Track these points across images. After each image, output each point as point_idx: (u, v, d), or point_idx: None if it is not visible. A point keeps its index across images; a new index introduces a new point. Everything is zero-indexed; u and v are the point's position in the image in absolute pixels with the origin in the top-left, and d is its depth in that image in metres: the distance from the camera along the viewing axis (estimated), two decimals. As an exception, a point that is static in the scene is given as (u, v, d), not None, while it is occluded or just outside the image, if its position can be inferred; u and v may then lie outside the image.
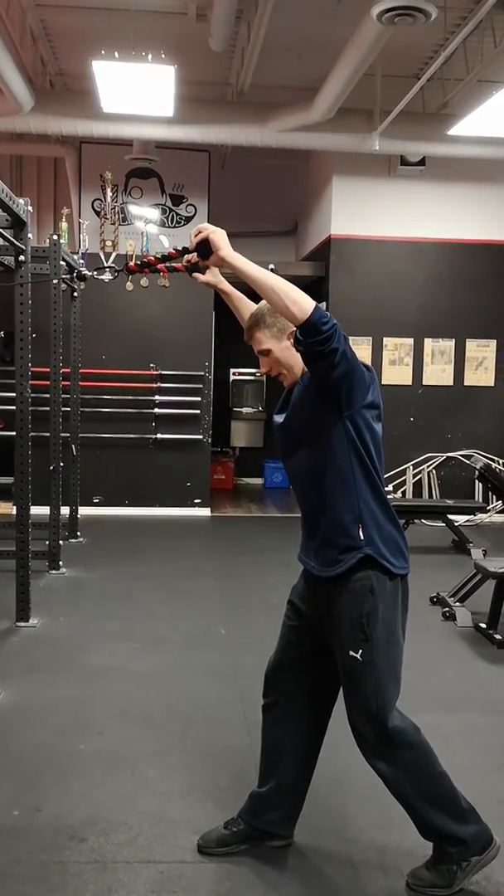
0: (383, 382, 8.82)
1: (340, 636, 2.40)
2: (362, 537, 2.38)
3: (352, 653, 2.36)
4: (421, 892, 2.45)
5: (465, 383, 8.95)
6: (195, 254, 2.42)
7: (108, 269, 3.22)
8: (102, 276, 2.96)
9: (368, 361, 8.90)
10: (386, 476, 8.68)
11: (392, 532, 2.44)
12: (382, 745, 2.40)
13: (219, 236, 2.35)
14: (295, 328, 2.25)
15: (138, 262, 2.58)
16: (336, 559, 2.39)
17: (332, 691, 2.57)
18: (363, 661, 2.35)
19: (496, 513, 8.59)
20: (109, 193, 8.93)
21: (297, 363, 2.45)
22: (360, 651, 2.35)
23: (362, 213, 8.73)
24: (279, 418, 2.55)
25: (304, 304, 2.20)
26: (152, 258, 2.56)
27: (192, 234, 2.38)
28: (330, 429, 2.37)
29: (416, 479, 8.84)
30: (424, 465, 8.88)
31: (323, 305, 8.71)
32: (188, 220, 9.30)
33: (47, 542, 6.11)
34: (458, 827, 2.43)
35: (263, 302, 2.49)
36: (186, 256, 2.48)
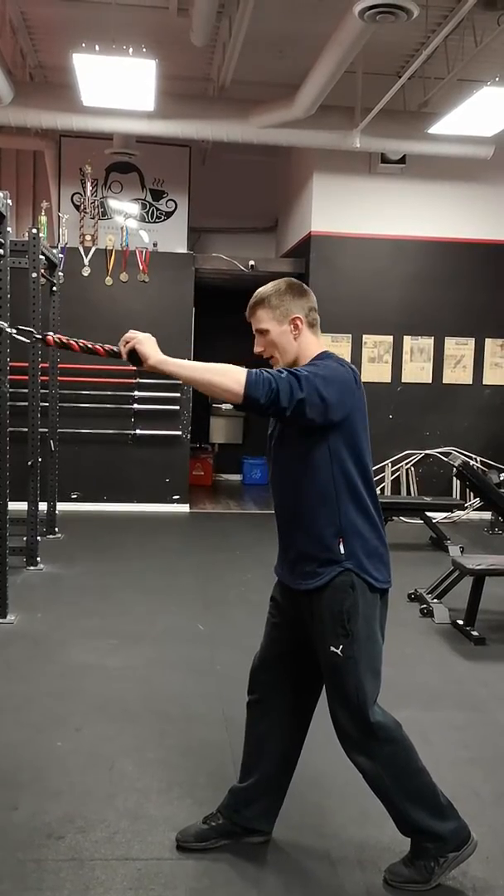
0: (362, 380, 8.78)
1: (321, 631, 2.40)
2: (343, 552, 2.38)
3: (332, 648, 2.37)
4: (398, 887, 2.46)
5: (444, 381, 8.99)
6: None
7: (28, 332, 3.63)
8: (19, 337, 2.98)
9: (347, 359, 9.00)
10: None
11: (376, 545, 2.44)
12: (364, 739, 2.41)
13: (146, 347, 2.33)
14: (294, 317, 2.38)
15: (58, 341, 2.57)
16: (315, 572, 2.40)
17: (316, 687, 2.58)
18: (344, 657, 2.36)
19: (473, 510, 8.65)
20: (89, 187, 8.90)
21: (290, 350, 2.45)
22: (341, 647, 2.36)
23: (343, 210, 8.74)
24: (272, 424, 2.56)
25: (234, 386, 2.21)
26: (75, 345, 2.51)
27: (122, 343, 2.36)
28: (312, 443, 2.37)
29: (394, 477, 8.88)
30: (403, 463, 8.92)
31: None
32: (168, 215, 9.27)
33: (25, 538, 6.07)
34: (437, 823, 2.45)
35: (271, 283, 2.50)
36: (108, 347, 2.44)
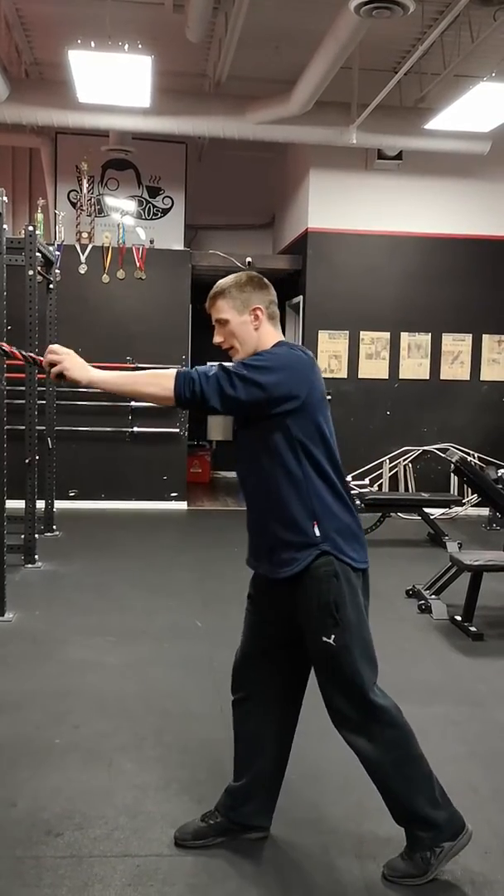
0: (360, 376, 8.86)
1: (310, 624, 2.40)
2: (318, 534, 2.38)
3: (324, 638, 2.37)
4: (396, 882, 2.46)
5: (442, 377, 8.99)
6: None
7: None
8: None
9: (345, 355, 9.06)
10: (362, 470, 8.72)
11: (349, 523, 2.44)
12: (365, 722, 2.41)
13: (75, 373, 2.33)
14: (255, 308, 2.41)
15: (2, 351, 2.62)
16: (293, 558, 2.39)
17: (301, 679, 2.59)
18: (337, 646, 2.36)
19: (471, 506, 8.65)
20: (85, 185, 8.88)
21: (250, 340, 2.46)
22: (333, 636, 2.36)
23: (339, 206, 8.73)
24: None
25: (159, 391, 2.29)
26: (18, 354, 2.60)
27: (46, 364, 2.36)
28: (272, 431, 2.37)
29: (392, 473, 8.88)
30: (400, 459, 8.92)
31: (299, 299, 8.56)
32: (165, 212, 9.25)
33: (23, 536, 6.07)
34: (433, 811, 2.45)
35: (234, 274, 2.52)
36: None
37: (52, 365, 2.34)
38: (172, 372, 2.29)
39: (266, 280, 2.56)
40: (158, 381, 2.30)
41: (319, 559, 2.36)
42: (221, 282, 2.51)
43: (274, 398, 2.31)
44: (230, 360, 2.47)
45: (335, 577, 2.36)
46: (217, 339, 2.51)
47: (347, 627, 2.36)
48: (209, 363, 2.48)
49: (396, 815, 2.49)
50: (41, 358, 2.41)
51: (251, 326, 2.46)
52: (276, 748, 2.62)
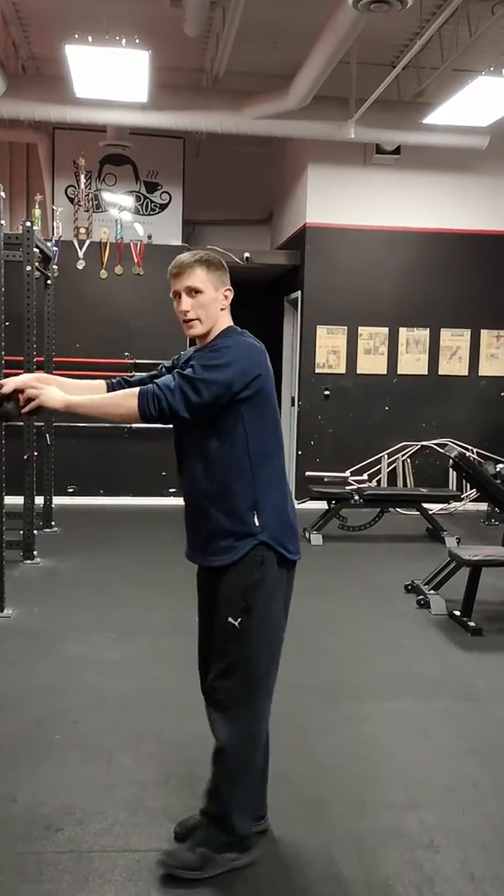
0: (358, 371, 8.85)
1: (223, 601, 2.42)
2: (258, 524, 2.39)
3: (230, 619, 2.39)
4: (171, 870, 2.45)
5: (440, 372, 8.98)
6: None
7: None
8: None
9: (343, 351, 9.04)
10: (361, 465, 8.72)
11: (288, 517, 2.47)
12: (235, 711, 2.43)
13: (51, 402, 2.34)
14: (226, 289, 2.44)
15: None
16: (231, 546, 2.40)
17: None
18: (239, 629, 2.39)
19: (470, 501, 8.66)
20: (83, 180, 8.86)
21: (213, 318, 2.46)
22: (239, 619, 2.38)
23: (338, 201, 8.71)
24: None
25: (128, 413, 2.34)
26: None
27: (24, 400, 2.35)
28: (226, 419, 2.38)
29: (390, 468, 8.88)
30: (399, 454, 8.92)
31: (297, 294, 8.54)
32: (163, 207, 9.23)
33: (21, 532, 6.07)
34: (241, 821, 2.47)
35: (198, 251, 2.51)
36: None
37: (30, 400, 2.34)
38: (135, 391, 2.32)
39: None
40: (123, 402, 2.34)
41: (255, 549, 2.38)
42: (197, 252, 2.48)
43: (234, 391, 2.33)
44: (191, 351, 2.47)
45: (260, 564, 2.38)
46: (184, 307, 2.45)
47: (255, 615, 2.38)
48: (148, 373, 2.52)
49: (210, 805, 2.50)
50: (20, 393, 2.38)
51: (219, 305, 2.46)
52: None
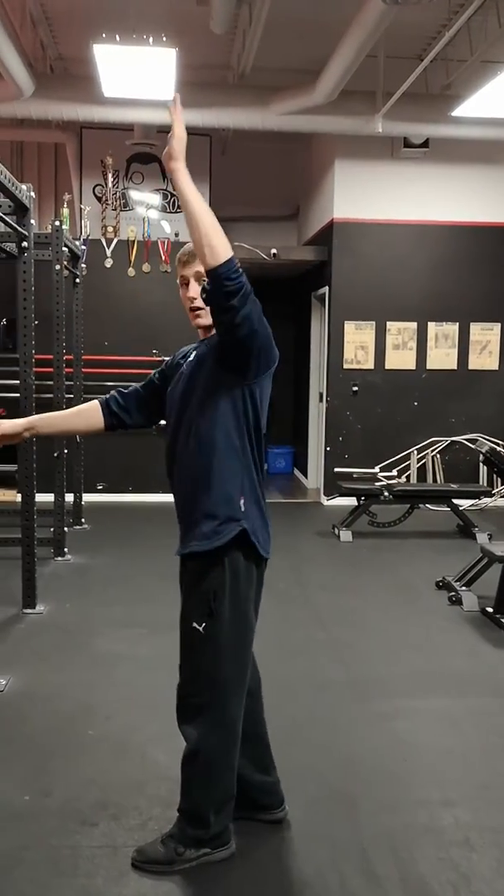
0: (387, 367, 8.80)
1: (187, 603, 2.43)
2: (243, 509, 2.37)
3: (195, 624, 2.38)
4: (141, 867, 2.46)
5: (470, 367, 8.91)
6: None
7: None
8: None
9: (371, 346, 9.00)
10: (390, 461, 8.67)
11: (263, 511, 2.46)
12: (207, 715, 2.41)
13: (178, 145, 2.20)
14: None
15: None
16: (215, 531, 2.35)
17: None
18: (204, 635, 2.38)
19: (501, 497, 8.58)
20: (110, 179, 8.90)
21: None
22: (204, 625, 2.37)
23: (365, 196, 8.67)
24: (183, 362, 2.54)
25: (219, 251, 2.15)
26: None
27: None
28: (228, 395, 2.35)
29: (420, 464, 8.83)
30: (429, 450, 8.86)
31: (324, 290, 8.50)
32: (190, 205, 9.24)
33: (52, 530, 6.12)
34: (214, 817, 2.46)
35: (238, 246, 2.48)
36: None
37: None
38: (230, 250, 2.17)
39: None
40: (219, 242, 2.15)
41: (235, 539, 2.34)
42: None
43: (260, 350, 2.30)
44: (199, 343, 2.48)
45: (223, 569, 2.35)
46: (192, 293, 2.44)
47: (220, 620, 2.36)
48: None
49: (183, 802, 2.50)
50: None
51: None
52: (254, 733, 2.62)
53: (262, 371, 2.36)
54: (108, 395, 2.68)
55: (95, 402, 2.66)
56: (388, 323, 8.79)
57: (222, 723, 2.43)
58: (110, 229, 8.79)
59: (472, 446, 8.44)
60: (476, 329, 8.88)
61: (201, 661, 2.41)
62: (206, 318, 2.43)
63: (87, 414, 2.65)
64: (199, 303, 2.41)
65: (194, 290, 2.43)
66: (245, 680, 2.48)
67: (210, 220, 2.18)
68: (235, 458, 2.36)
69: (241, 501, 2.37)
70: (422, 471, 8.84)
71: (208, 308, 2.35)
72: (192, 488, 2.41)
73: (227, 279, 2.15)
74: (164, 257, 8.65)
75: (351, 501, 7.52)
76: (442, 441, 8.88)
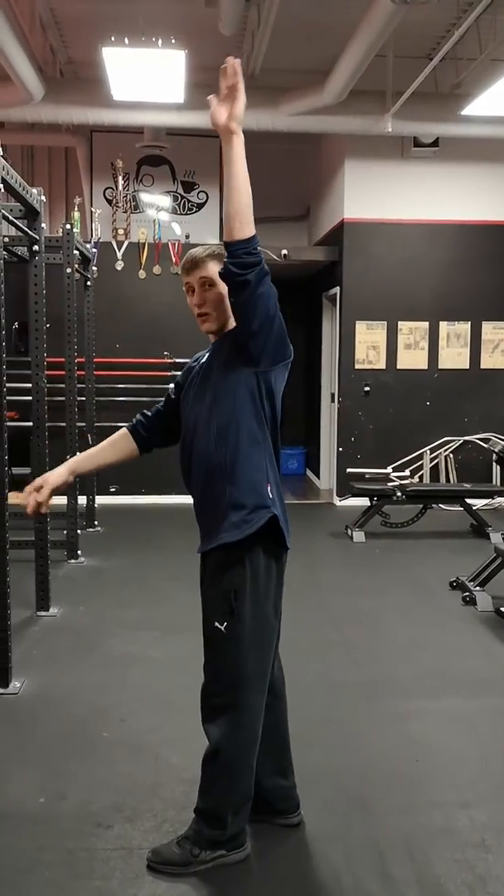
0: (399, 367, 8.78)
1: (208, 603, 2.43)
2: (271, 496, 2.37)
3: (216, 624, 2.38)
4: (156, 867, 2.46)
5: (482, 366, 8.88)
6: None
7: None
8: None
9: (383, 346, 8.98)
10: (403, 461, 8.65)
11: (283, 500, 2.46)
12: (229, 715, 2.41)
13: (240, 107, 2.24)
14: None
15: None
16: (244, 519, 2.34)
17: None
18: (226, 635, 2.37)
19: (514, 496, 8.54)
20: (121, 182, 8.92)
21: (227, 314, 2.41)
22: (225, 624, 2.37)
23: (375, 196, 8.66)
24: (196, 364, 2.55)
25: (247, 228, 2.19)
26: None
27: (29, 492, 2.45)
28: (245, 384, 2.35)
29: (433, 464, 8.80)
30: (441, 450, 8.83)
31: (335, 290, 8.49)
32: (200, 206, 9.26)
33: (65, 532, 6.13)
34: (232, 818, 2.46)
35: (209, 245, 2.49)
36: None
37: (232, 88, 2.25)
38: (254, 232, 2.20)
39: None
40: (249, 221, 2.19)
41: (265, 527, 2.33)
42: (210, 247, 2.45)
43: (273, 335, 2.30)
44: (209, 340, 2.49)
45: (244, 567, 2.35)
46: (197, 300, 2.44)
47: (241, 619, 2.36)
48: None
49: (201, 802, 2.50)
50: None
51: (229, 301, 2.37)
52: (277, 734, 2.63)
53: (276, 360, 2.35)
54: (134, 421, 2.70)
55: (124, 429, 2.69)
56: (400, 322, 8.77)
57: (242, 722, 2.43)
58: (121, 232, 8.81)
59: (485, 445, 8.41)
60: (488, 328, 8.85)
61: (224, 661, 2.41)
62: (213, 323, 2.45)
63: (121, 444, 2.70)
64: (206, 308, 2.42)
65: (200, 296, 2.44)
66: (266, 679, 2.47)
67: (248, 199, 2.20)
68: (258, 446, 2.37)
69: (269, 488, 2.37)
70: (435, 471, 8.81)
71: (215, 313, 2.39)
72: (214, 481, 2.40)
73: (246, 253, 2.18)
74: (174, 259, 8.67)
75: (364, 502, 7.51)
76: (455, 440, 8.85)
